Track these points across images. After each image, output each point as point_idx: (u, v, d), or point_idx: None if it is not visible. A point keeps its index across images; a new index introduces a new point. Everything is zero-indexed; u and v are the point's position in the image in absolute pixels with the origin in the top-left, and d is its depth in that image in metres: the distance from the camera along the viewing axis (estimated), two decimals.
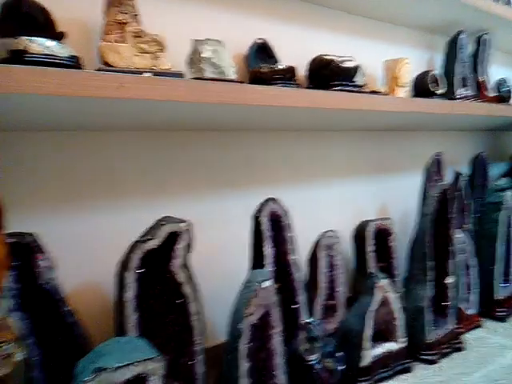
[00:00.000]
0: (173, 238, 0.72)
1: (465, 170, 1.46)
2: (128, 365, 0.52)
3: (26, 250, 0.63)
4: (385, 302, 0.88)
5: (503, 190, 1.19)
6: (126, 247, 0.71)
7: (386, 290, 0.87)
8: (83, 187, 0.78)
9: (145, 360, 0.53)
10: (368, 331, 0.85)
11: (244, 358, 0.66)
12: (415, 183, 1.33)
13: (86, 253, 0.78)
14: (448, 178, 1.30)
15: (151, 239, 0.69)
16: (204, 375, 0.76)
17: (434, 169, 1.23)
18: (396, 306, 0.90)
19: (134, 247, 0.68)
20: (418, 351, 0.95)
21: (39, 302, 0.65)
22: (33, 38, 0.57)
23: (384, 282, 0.87)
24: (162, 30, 0.77)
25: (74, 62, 0.59)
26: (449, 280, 1.01)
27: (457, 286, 1.05)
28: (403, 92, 1.17)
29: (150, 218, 0.73)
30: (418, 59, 1.40)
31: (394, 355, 0.90)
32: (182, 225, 0.72)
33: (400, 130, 1.37)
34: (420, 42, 1.43)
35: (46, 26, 0.64)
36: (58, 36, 0.63)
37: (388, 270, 1.07)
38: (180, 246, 0.72)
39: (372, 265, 1.04)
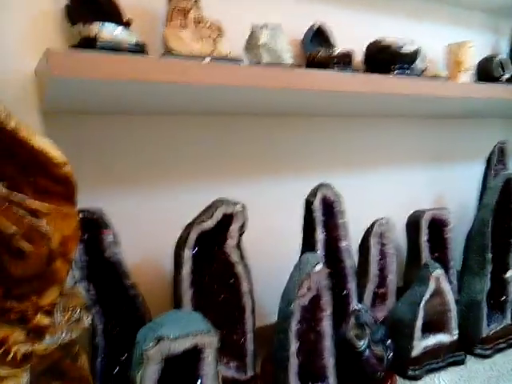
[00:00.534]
0: (227, 219, 0.74)
1: None
2: (186, 336, 0.54)
3: (94, 225, 0.68)
4: (438, 293, 0.86)
5: None
6: (183, 226, 0.74)
7: (440, 281, 0.85)
8: (146, 168, 0.82)
9: (201, 333, 0.56)
10: (419, 321, 0.84)
11: (294, 338, 0.68)
12: (475, 173, 1.27)
13: (146, 230, 0.82)
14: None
15: (207, 220, 0.71)
16: (253, 353, 0.79)
17: (497, 157, 1.17)
18: (450, 297, 0.87)
19: (190, 227, 0.71)
20: (471, 344, 0.92)
21: (104, 274, 0.70)
22: (103, 25, 0.60)
23: (439, 273, 0.85)
24: (221, 15, 0.79)
25: (140, 49, 0.62)
26: (508, 274, 0.97)
27: None
28: (466, 77, 1.11)
29: (206, 199, 0.76)
30: (482, 43, 1.32)
31: (446, 347, 0.88)
32: (237, 207, 0.74)
33: (460, 118, 1.31)
34: (484, 25, 1.34)
35: (113, 14, 0.68)
36: (126, 23, 0.67)
37: (442, 261, 1.04)
38: (234, 228, 0.74)
39: (425, 255, 1.02)
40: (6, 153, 0.50)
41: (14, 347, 0.53)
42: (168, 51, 0.68)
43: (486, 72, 1.12)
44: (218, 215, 0.72)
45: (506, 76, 1.11)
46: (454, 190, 1.31)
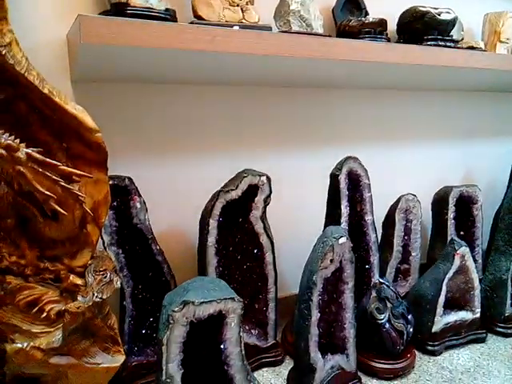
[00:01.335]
0: (253, 190, 0.74)
1: None
2: (211, 301, 0.56)
3: (123, 192, 0.69)
4: (463, 270, 0.85)
5: None
6: (208, 196, 0.75)
7: (465, 259, 0.85)
8: (175, 137, 0.83)
9: (226, 299, 0.57)
10: (442, 297, 0.84)
11: (315, 309, 0.69)
12: (508, 150, 1.23)
13: (174, 199, 0.83)
14: None
15: (233, 190, 0.72)
16: (275, 322, 0.80)
17: None
18: (474, 275, 0.87)
19: (217, 196, 0.72)
20: (494, 323, 0.92)
21: (132, 239, 0.72)
22: None
23: (464, 250, 0.84)
24: None
25: (170, 16, 0.61)
26: None
27: None
28: (504, 48, 1.06)
29: (233, 170, 0.76)
30: None
31: (468, 324, 0.88)
32: (263, 178, 0.74)
33: (494, 91, 1.26)
34: None
35: None
36: None
37: (468, 239, 1.03)
38: (259, 198, 0.75)
39: (451, 232, 1.01)
40: (40, 119, 0.51)
41: (48, 306, 0.55)
42: (197, 18, 0.67)
43: None
44: (243, 186, 0.73)
45: None
46: (485, 166, 1.28)
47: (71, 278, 0.56)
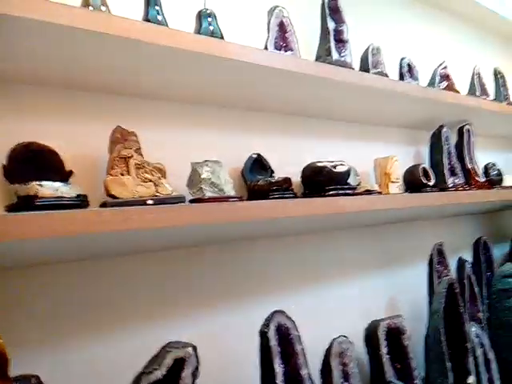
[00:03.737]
0: (179, 364, 0.69)
1: (468, 254, 1.46)
2: None
3: None
4: None
5: (510, 275, 1.18)
6: (131, 377, 0.68)
7: None
8: (87, 319, 0.77)
9: None
10: None
11: None
12: (422, 272, 1.31)
13: None
14: (452, 266, 1.29)
15: (157, 369, 0.67)
16: None
17: (437, 259, 1.23)
18: None
19: (139, 379, 0.66)
20: None
21: None
22: (43, 182, 0.60)
23: None
24: (162, 155, 0.83)
25: (81, 201, 0.62)
26: (470, 380, 0.96)
27: None
28: (396, 187, 1.21)
29: (154, 342, 0.72)
30: (404, 154, 1.45)
31: None
32: (188, 350, 0.70)
33: (398, 222, 1.39)
34: (404, 138, 1.50)
35: (54, 167, 0.69)
36: (66, 175, 0.68)
37: (405, 371, 1.02)
38: (187, 373, 0.70)
39: (388, 368, 1.00)
40: None
41: None
42: (110, 197, 0.69)
43: (413, 180, 1.23)
44: (168, 362, 0.68)
45: (432, 182, 1.22)
46: (406, 292, 1.34)
47: None
